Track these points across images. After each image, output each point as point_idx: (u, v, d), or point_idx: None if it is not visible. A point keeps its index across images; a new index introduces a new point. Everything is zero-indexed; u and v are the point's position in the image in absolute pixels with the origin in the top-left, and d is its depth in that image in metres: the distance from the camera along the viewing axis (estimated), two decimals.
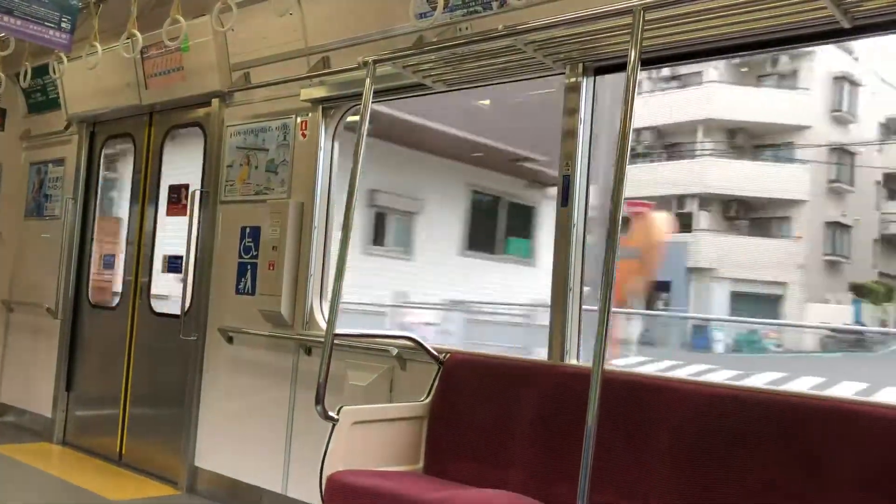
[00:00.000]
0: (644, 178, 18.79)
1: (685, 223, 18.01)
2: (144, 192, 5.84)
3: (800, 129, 18.11)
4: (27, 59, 5.65)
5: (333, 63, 4.54)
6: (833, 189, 18.05)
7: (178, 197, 5.59)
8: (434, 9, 3.63)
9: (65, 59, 5.34)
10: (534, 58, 3.54)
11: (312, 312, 4.56)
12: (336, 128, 4.68)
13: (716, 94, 18.14)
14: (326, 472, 3.23)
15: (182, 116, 5.62)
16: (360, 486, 3.09)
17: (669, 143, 20.00)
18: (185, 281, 5.15)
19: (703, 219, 17.91)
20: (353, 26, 4.39)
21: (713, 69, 18.68)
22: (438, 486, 3.26)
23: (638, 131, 19.87)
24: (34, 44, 5.08)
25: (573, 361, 3.55)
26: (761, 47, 3.26)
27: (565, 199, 3.59)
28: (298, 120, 4.73)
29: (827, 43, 3.18)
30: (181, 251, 5.23)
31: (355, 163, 3.51)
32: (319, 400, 3.28)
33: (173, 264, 5.50)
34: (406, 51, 3.78)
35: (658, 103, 19.60)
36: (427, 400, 3.67)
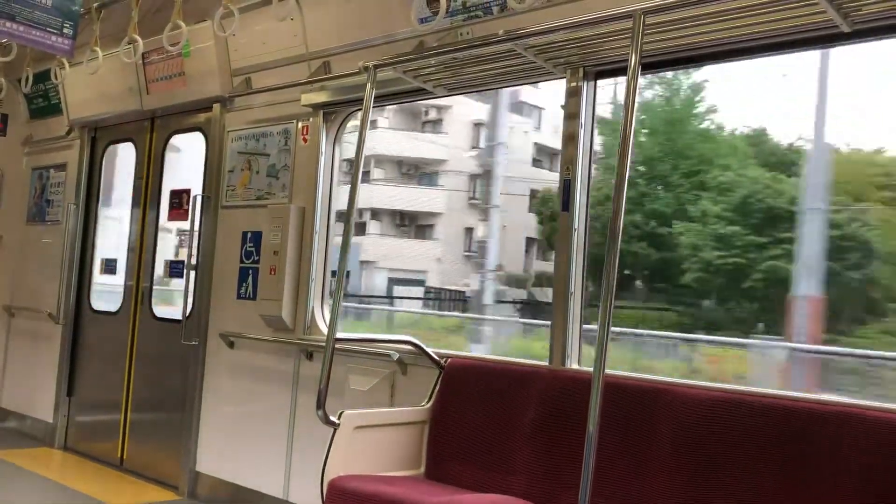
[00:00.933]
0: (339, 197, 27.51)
1: (360, 230, 25.99)
2: (146, 197, 5.84)
3: (441, 161, 26.50)
4: (29, 64, 5.66)
5: (334, 68, 4.54)
6: (472, 204, 25.49)
7: (179, 202, 5.59)
8: (435, 13, 3.63)
9: (66, 65, 5.34)
10: (534, 62, 3.54)
11: (314, 317, 4.56)
12: (337, 133, 4.69)
13: (385, 136, 26.16)
14: (328, 477, 3.23)
15: (183, 121, 5.63)
16: (361, 491, 3.08)
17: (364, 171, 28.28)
18: (186, 286, 5.16)
19: (372, 226, 26.28)
20: (354, 31, 4.40)
21: (384, 118, 26.10)
22: (440, 490, 3.26)
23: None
24: (36, 49, 5.09)
25: (574, 366, 3.54)
26: (761, 52, 3.25)
27: (566, 203, 3.59)
28: (299, 125, 4.73)
29: (827, 47, 3.16)
30: (181, 256, 5.24)
31: (356, 167, 3.51)
32: (320, 404, 3.28)
33: (175, 269, 5.51)
34: (407, 55, 3.79)
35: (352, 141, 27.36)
36: (428, 404, 3.67)
